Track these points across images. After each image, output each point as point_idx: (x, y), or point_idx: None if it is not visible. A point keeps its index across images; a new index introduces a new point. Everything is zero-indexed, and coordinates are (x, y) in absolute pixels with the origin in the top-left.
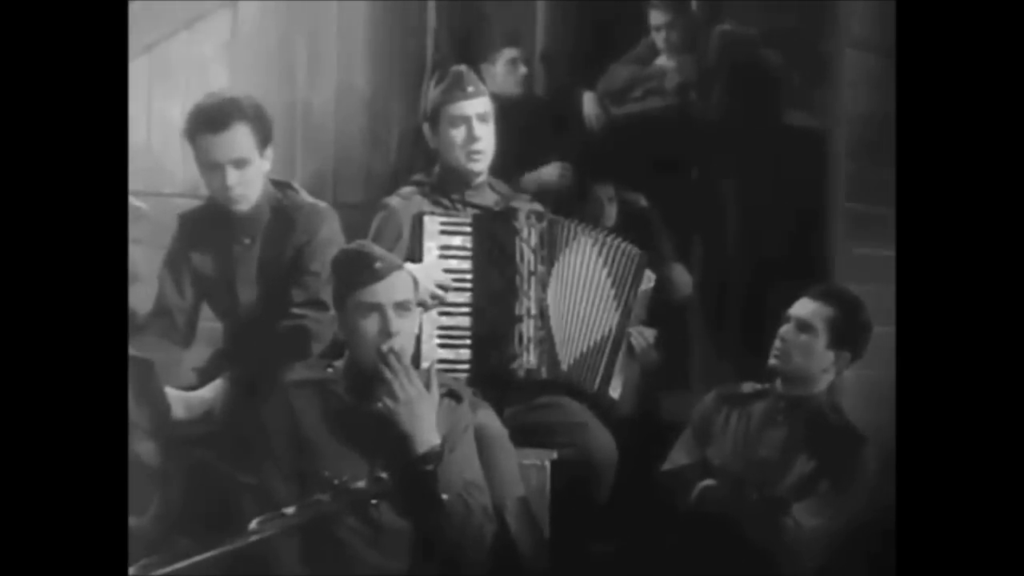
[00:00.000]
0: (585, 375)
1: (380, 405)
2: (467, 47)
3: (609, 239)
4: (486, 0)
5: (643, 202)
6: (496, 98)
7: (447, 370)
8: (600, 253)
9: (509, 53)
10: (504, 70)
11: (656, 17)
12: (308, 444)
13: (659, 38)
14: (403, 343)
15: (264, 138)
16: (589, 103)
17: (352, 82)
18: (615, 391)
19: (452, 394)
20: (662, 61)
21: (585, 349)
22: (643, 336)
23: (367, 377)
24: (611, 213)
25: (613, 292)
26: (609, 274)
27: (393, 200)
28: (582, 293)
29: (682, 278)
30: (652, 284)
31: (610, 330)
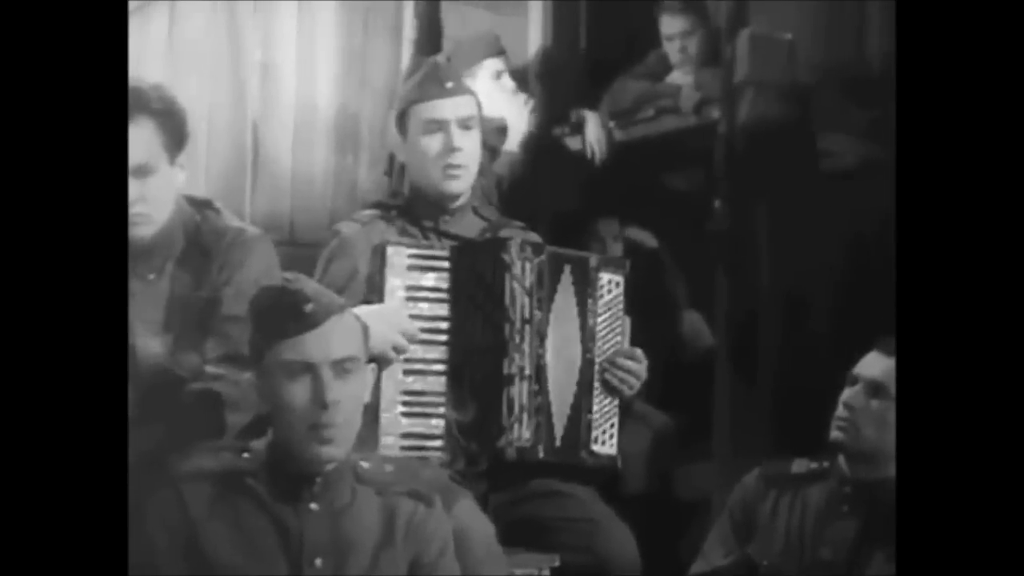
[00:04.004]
0: (573, 443)
1: (312, 509)
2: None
3: (572, 254)
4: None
5: (652, 242)
6: None
7: (414, 448)
8: (575, 281)
9: (492, 65)
10: (487, 86)
11: (669, 25)
12: (209, 563)
13: (673, 49)
14: (344, 418)
15: (175, 140)
16: (591, 125)
17: (314, 99)
18: (604, 445)
19: (417, 496)
20: (677, 76)
21: (570, 410)
22: (618, 368)
23: (296, 467)
24: (615, 253)
25: (579, 322)
26: (579, 303)
27: (347, 227)
28: (571, 337)
29: (699, 328)
30: (620, 290)
31: (579, 369)
